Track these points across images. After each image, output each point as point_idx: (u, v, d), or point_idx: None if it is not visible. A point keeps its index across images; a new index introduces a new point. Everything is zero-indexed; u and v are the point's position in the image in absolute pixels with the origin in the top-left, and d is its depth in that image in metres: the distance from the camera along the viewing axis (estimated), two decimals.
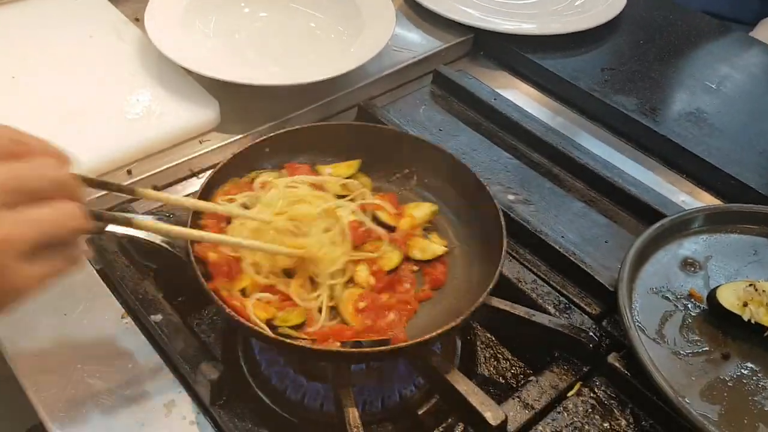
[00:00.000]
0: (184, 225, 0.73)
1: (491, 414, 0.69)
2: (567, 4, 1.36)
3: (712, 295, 0.82)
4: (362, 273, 0.78)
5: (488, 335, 0.89)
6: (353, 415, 0.68)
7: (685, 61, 1.27)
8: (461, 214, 0.87)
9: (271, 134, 0.88)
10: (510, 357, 0.87)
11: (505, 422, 0.70)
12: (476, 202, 0.84)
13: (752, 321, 0.78)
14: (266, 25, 1.20)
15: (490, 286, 0.72)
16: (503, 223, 0.77)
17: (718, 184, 1.04)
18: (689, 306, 0.83)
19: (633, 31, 1.32)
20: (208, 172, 0.84)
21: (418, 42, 1.25)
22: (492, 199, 0.81)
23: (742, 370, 0.77)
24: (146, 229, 0.69)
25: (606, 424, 0.74)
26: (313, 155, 0.90)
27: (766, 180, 1.01)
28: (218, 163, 0.83)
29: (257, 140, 0.87)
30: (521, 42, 1.25)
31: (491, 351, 0.88)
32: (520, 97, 1.20)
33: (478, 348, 0.88)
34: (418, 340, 0.68)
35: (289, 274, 0.77)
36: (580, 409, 0.75)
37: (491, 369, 0.86)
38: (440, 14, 1.27)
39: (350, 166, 0.89)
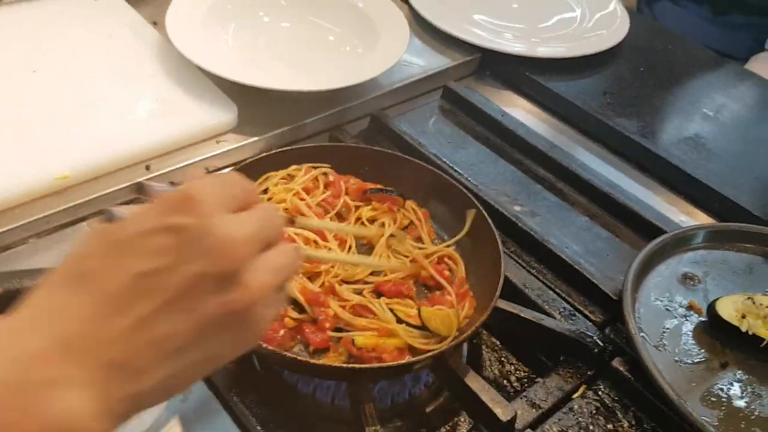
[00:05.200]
0: None
1: (501, 410, 0.72)
2: (572, 29, 1.41)
3: (711, 307, 0.85)
4: None
5: (494, 340, 0.91)
6: (369, 408, 0.71)
7: (684, 89, 1.32)
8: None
9: (250, 159, 0.90)
10: (515, 361, 0.89)
11: (514, 419, 0.72)
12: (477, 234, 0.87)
13: (750, 332, 0.82)
14: (285, 35, 1.23)
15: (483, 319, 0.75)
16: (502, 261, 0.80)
17: (714, 205, 1.08)
18: (689, 317, 0.86)
19: (634, 59, 1.37)
20: None
21: (427, 59, 1.28)
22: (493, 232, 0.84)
23: (740, 378, 0.80)
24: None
25: (610, 426, 0.76)
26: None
27: (760, 203, 1.05)
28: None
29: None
30: (527, 63, 1.29)
31: (496, 355, 0.90)
32: (524, 115, 1.24)
33: (484, 351, 0.90)
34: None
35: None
36: (585, 410, 0.77)
37: (496, 372, 0.88)
38: (450, 33, 1.31)
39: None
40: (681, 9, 1.90)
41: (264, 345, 0.70)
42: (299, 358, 0.72)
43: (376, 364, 0.72)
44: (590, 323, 0.85)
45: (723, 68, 1.40)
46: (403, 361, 0.73)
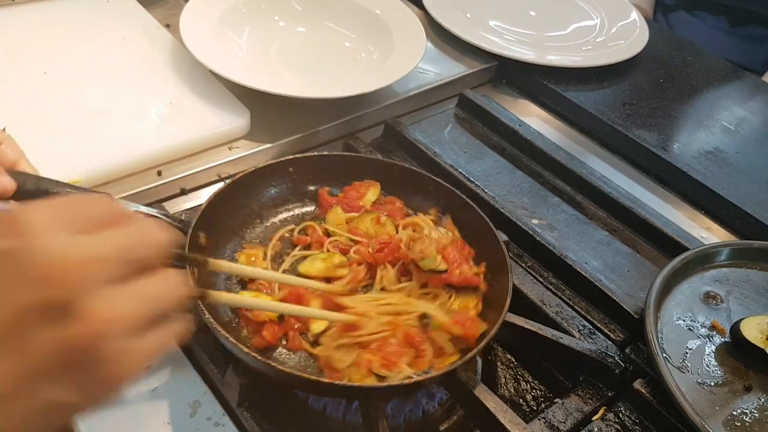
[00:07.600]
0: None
1: None
2: (590, 38, 1.39)
3: (735, 328, 0.82)
4: None
5: (509, 357, 0.89)
6: (382, 426, 0.68)
7: (703, 101, 1.29)
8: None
9: (293, 156, 0.90)
10: (531, 380, 0.87)
11: None
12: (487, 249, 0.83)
13: None
14: (300, 40, 1.22)
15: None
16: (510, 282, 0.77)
17: (736, 222, 1.06)
18: (712, 338, 0.84)
19: (653, 70, 1.35)
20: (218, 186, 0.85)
21: (443, 66, 1.27)
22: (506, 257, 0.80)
23: (764, 403, 0.78)
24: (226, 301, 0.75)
25: None
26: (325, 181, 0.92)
27: None
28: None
29: (276, 160, 0.89)
30: (544, 72, 1.27)
31: (512, 372, 0.88)
32: (541, 125, 1.22)
33: (499, 369, 0.88)
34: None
35: None
36: None
37: (511, 390, 0.86)
38: (466, 41, 1.29)
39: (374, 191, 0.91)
40: (697, 20, 1.87)
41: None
42: (306, 375, 0.69)
43: (385, 383, 0.70)
44: (610, 342, 0.83)
45: (742, 80, 1.38)
46: (415, 380, 0.70)
